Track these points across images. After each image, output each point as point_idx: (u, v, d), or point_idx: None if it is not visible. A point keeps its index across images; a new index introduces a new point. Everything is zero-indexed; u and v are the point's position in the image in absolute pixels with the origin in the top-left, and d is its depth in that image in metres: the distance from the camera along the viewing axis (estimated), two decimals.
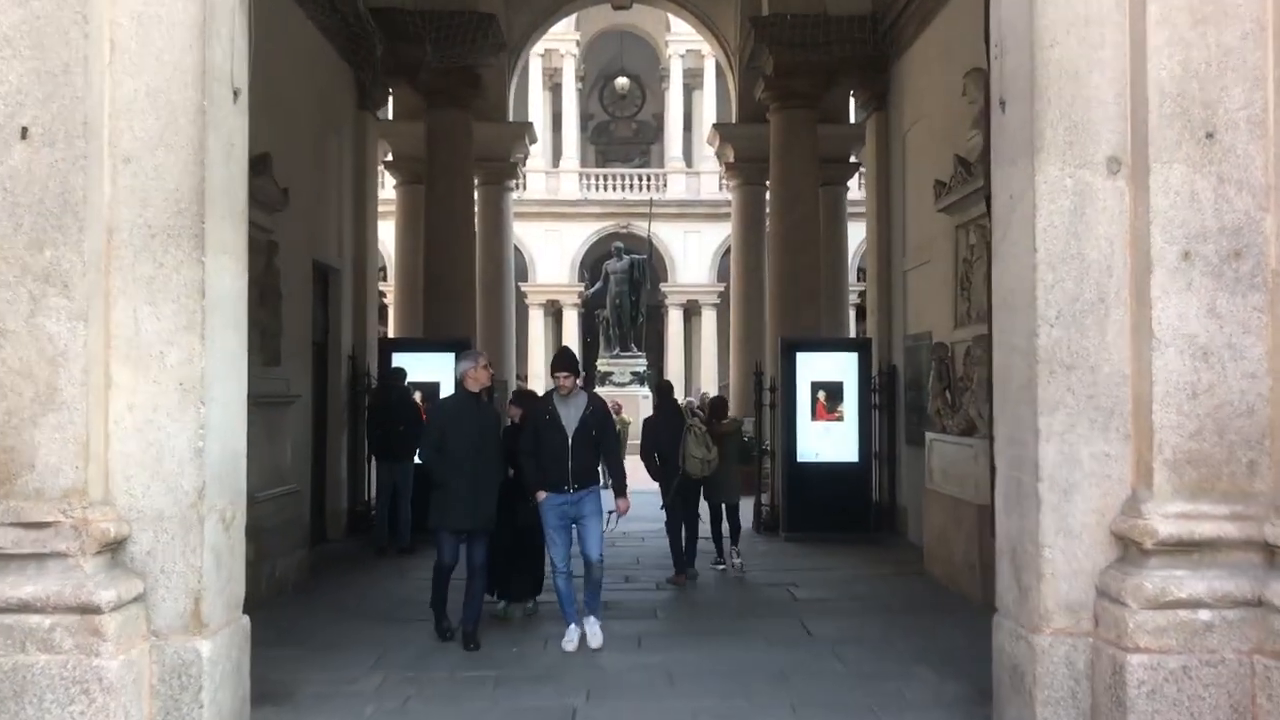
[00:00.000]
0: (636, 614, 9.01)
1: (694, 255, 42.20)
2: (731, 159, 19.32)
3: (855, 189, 19.61)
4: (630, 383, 30.49)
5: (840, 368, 13.41)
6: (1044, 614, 4.85)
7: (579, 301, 41.52)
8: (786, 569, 11.06)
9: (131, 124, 4.80)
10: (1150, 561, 4.65)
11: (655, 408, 11.69)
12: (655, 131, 50.62)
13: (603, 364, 31.75)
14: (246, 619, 5.35)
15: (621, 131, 53.28)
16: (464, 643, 7.78)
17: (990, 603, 9.28)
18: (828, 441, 13.31)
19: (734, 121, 19.57)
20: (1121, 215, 4.80)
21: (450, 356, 13.05)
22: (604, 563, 8.12)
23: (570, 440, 7.70)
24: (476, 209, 19.63)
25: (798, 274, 14.13)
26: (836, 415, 13.37)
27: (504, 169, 19.24)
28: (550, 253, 42.00)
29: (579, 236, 42.23)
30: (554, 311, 43.58)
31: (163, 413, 4.76)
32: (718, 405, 11.85)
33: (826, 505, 13.12)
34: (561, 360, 8.06)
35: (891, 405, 13.74)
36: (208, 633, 4.85)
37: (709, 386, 40.18)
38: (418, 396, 13.18)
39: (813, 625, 8.31)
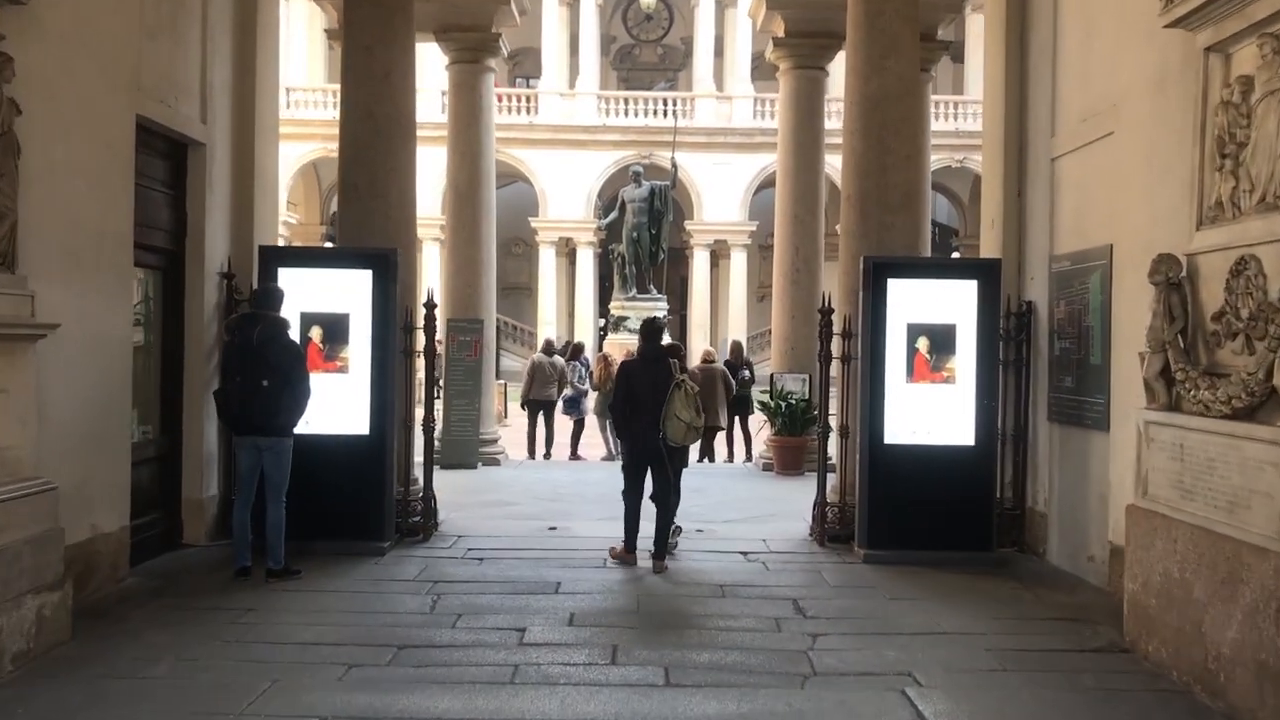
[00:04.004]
0: None
1: (723, 190, 37.73)
2: (781, 33, 14.68)
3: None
4: None
5: (952, 303, 8.89)
6: None
7: (595, 240, 37.08)
8: (883, 631, 6.62)
9: None
10: None
11: (639, 351, 9.03)
12: (683, 57, 46.05)
13: (617, 307, 27.27)
14: None
15: (646, 56, 48.72)
16: None
17: None
18: (931, 414, 8.82)
19: None
20: None
21: (367, 275, 8.83)
22: None
23: None
24: (447, 93, 15.27)
25: (886, 165, 9.56)
26: (944, 375, 8.88)
27: (483, 42, 14.69)
28: (564, 185, 37.65)
29: (596, 167, 37.82)
30: (567, 251, 39.25)
31: None
32: (678, 356, 9.23)
33: (928, 509, 8.68)
34: None
35: (1023, 361, 9.24)
36: None
37: (736, 336, 35.89)
38: (316, 335, 8.82)
39: None
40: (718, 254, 38.80)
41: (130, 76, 7.56)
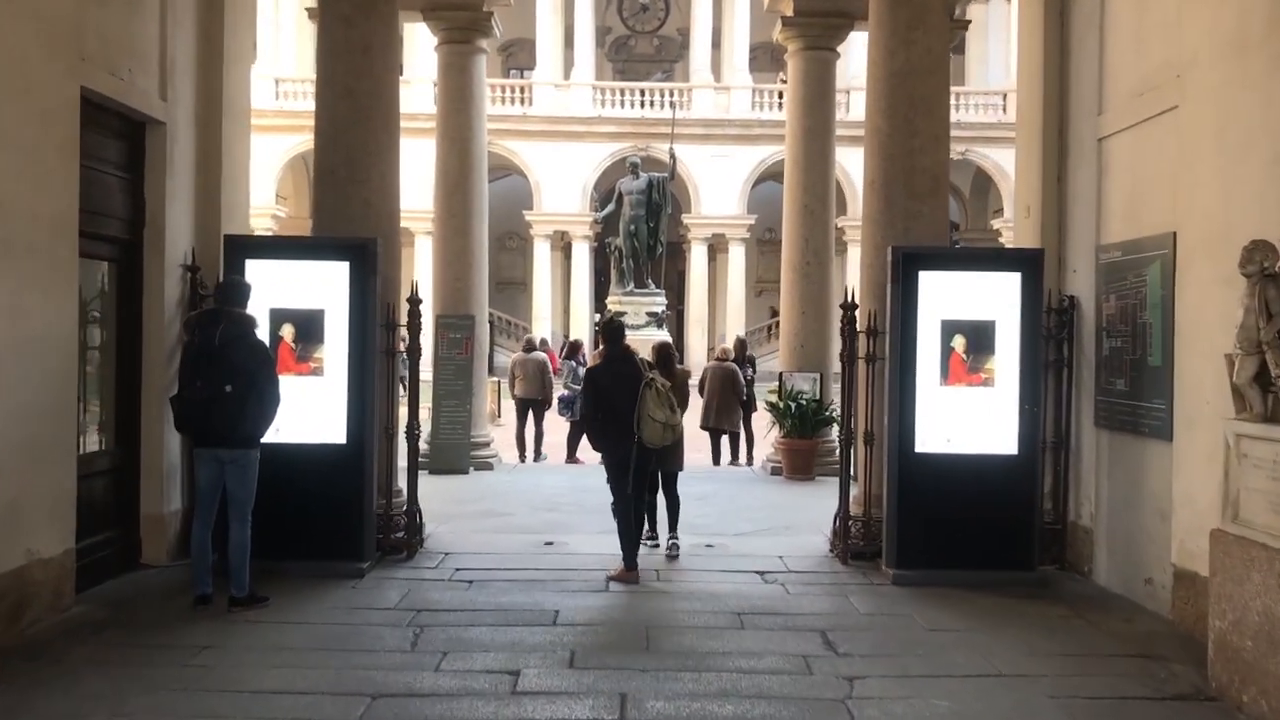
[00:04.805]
0: None
1: (721, 183, 37.01)
2: (789, 11, 13.83)
3: None
4: (647, 324, 25.26)
5: (991, 298, 8.06)
6: None
7: (591, 234, 36.26)
8: (928, 672, 5.78)
9: None
10: None
11: (603, 354, 8.65)
12: (679, 48, 45.25)
13: (614, 302, 26.47)
14: None
15: (642, 47, 47.91)
16: None
17: None
18: (967, 420, 8.01)
19: None
20: None
21: (344, 266, 8.00)
22: None
23: None
24: (436, 76, 14.45)
25: (914, 147, 8.75)
26: (983, 377, 8.06)
27: (474, 21, 13.80)
28: (559, 177, 36.84)
29: (592, 159, 37.05)
30: (563, 245, 38.43)
31: None
32: (664, 353, 9.18)
33: (964, 525, 7.88)
34: None
35: (1064, 362, 8.44)
36: None
37: (734, 331, 35.14)
38: (287, 334, 7.98)
39: None
40: (716, 248, 38.02)
41: (73, 43, 6.72)
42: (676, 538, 8.78)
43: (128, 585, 7.52)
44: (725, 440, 15.25)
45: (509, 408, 22.35)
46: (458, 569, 8.04)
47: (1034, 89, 8.92)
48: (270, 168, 34.03)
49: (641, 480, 8.20)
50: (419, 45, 32.43)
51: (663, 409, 7.99)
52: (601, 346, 8.75)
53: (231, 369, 6.77)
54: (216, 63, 8.68)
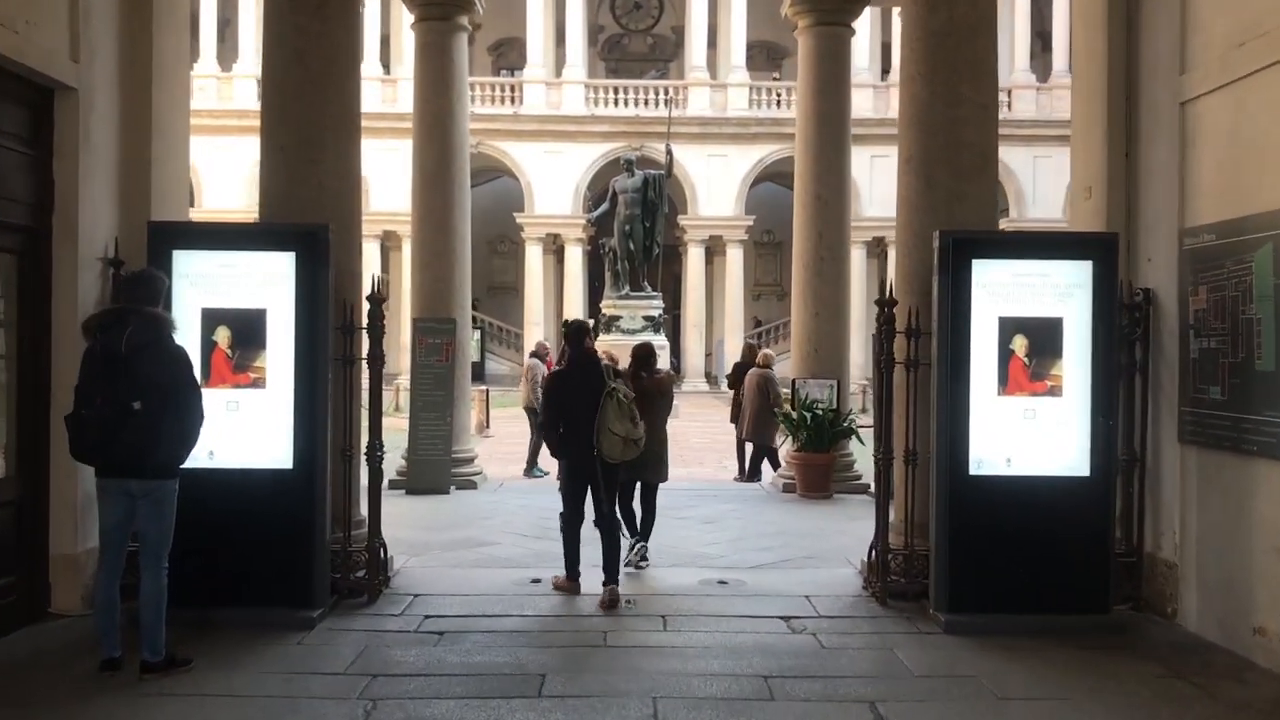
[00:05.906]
0: None
1: (718, 183, 35.84)
2: None
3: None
4: (643, 329, 24.09)
5: (1056, 293, 6.82)
6: None
7: (584, 236, 35.06)
8: None
9: None
10: None
11: (567, 358, 8.12)
12: (674, 47, 44.06)
13: (609, 306, 25.28)
14: None
15: (635, 46, 46.73)
16: None
17: None
18: (1030, 435, 6.76)
19: None
20: None
21: (290, 258, 6.74)
22: None
23: None
24: (414, 55, 13.23)
25: (957, 119, 7.51)
26: (1048, 384, 6.80)
27: None
28: (551, 178, 35.63)
29: (584, 159, 35.87)
30: (555, 248, 37.15)
31: None
32: (643, 355, 8.60)
33: (1026, 560, 6.64)
34: None
35: (1138, 366, 7.20)
36: None
37: (731, 336, 34.04)
38: (222, 339, 6.71)
39: None
40: (713, 250, 36.81)
41: None
42: (645, 546, 8.48)
43: (26, 642, 6.24)
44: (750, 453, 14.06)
45: (498, 418, 21.36)
46: (426, 616, 6.77)
47: (1095, 47, 7.68)
48: (255, 169, 32.77)
49: (611, 495, 7.63)
50: (410, 38, 31.17)
51: (623, 422, 7.40)
52: (566, 349, 8.13)
53: (141, 382, 5.49)
54: (144, 19, 7.39)
